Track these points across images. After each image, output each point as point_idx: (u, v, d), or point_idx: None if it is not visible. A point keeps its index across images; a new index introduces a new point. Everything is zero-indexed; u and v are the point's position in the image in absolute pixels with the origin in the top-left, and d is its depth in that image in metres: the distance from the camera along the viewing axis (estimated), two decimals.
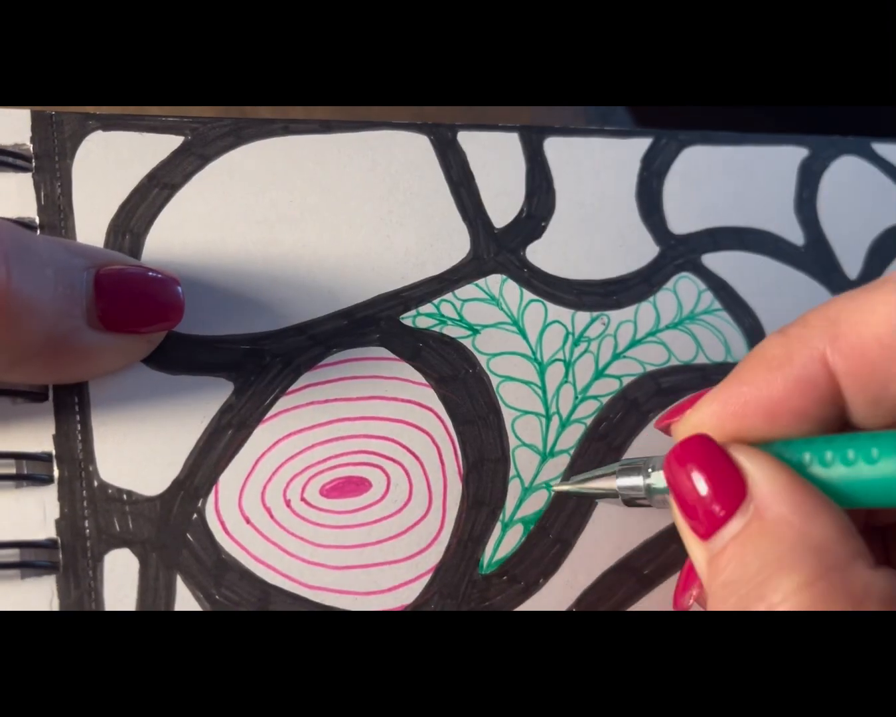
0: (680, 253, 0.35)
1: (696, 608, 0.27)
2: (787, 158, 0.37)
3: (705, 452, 0.22)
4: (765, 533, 0.21)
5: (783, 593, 0.20)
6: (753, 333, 0.34)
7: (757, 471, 0.22)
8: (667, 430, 0.26)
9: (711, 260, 0.35)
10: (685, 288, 0.34)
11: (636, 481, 0.26)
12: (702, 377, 0.33)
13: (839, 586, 0.19)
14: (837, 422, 0.23)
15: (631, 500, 0.26)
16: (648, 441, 0.31)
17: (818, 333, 0.23)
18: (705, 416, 0.24)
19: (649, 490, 0.25)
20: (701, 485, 0.22)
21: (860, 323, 0.22)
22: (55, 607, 0.24)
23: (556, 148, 0.33)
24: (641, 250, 0.34)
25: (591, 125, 0.41)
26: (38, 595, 0.24)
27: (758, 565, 0.20)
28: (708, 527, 0.22)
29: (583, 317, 0.32)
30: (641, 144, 0.35)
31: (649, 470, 0.25)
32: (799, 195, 0.37)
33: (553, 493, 0.29)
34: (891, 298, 0.22)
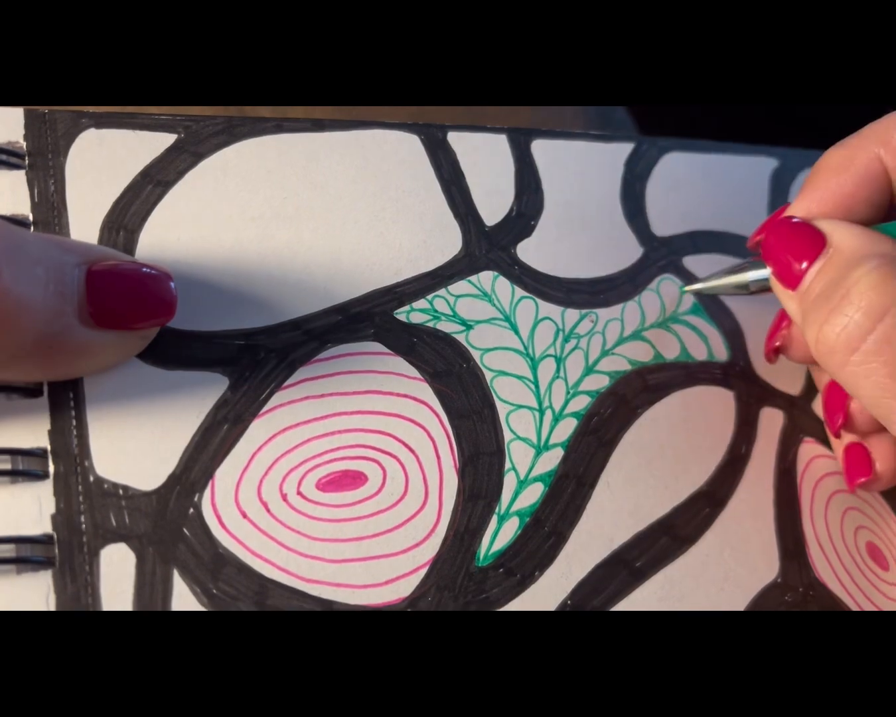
0: (662, 254, 0.35)
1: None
2: (760, 167, 0.39)
3: (792, 224, 0.28)
4: (841, 256, 0.26)
5: (857, 277, 0.25)
6: (733, 334, 0.35)
7: (833, 227, 0.27)
8: (756, 247, 0.31)
9: (692, 262, 0.36)
10: (667, 289, 0.35)
11: (763, 272, 0.30)
12: (686, 375, 0.33)
13: None
14: (889, 210, 0.29)
15: (758, 288, 0.30)
16: (638, 435, 0.31)
17: (873, 141, 0.28)
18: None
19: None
20: (791, 245, 0.27)
21: None
22: (51, 602, 0.24)
23: (543, 150, 0.34)
24: (627, 251, 0.35)
25: (591, 125, 0.41)
26: (34, 591, 0.24)
27: (838, 272, 0.26)
28: (798, 276, 0.27)
29: (572, 314, 0.32)
30: (624, 149, 0.36)
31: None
32: (771, 203, 0.39)
33: (684, 294, 0.35)
34: None
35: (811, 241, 0.27)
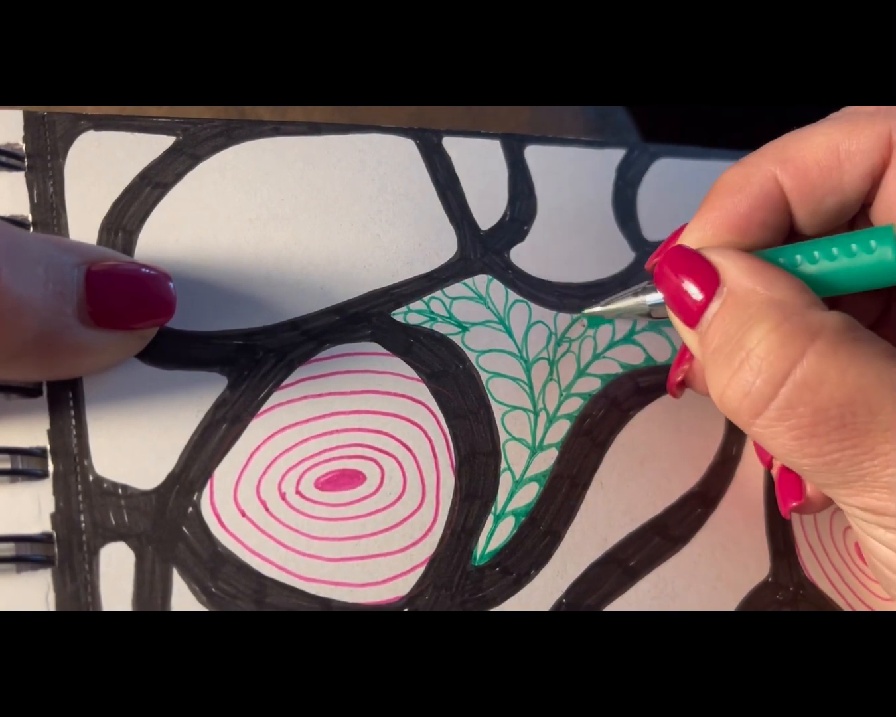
0: None
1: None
2: None
3: (683, 255, 0.27)
4: (737, 304, 0.25)
5: (756, 339, 0.24)
6: None
7: (725, 260, 0.26)
8: (654, 269, 0.30)
9: None
10: (658, 294, 0.35)
11: (658, 296, 0.29)
12: None
13: (799, 325, 0.24)
14: (787, 231, 0.28)
15: (657, 313, 0.30)
16: (630, 437, 0.32)
17: (770, 159, 0.28)
18: (689, 244, 0.28)
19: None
20: (683, 281, 0.26)
21: (803, 149, 0.27)
22: (51, 601, 0.24)
23: (536, 155, 0.34)
24: (618, 256, 0.35)
25: (591, 125, 0.42)
26: (33, 589, 0.24)
27: (736, 327, 0.25)
28: (695, 314, 0.26)
29: (564, 318, 0.33)
30: (616, 155, 0.36)
31: None
32: None
33: (583, 316, 0.33)
34: (828, 130, 0.27)
35: (704, 275, 0.26)
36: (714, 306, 0.26)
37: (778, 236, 0.28)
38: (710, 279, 0.26)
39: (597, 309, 0.32)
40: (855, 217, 0.29)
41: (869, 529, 0.25)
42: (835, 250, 0.26)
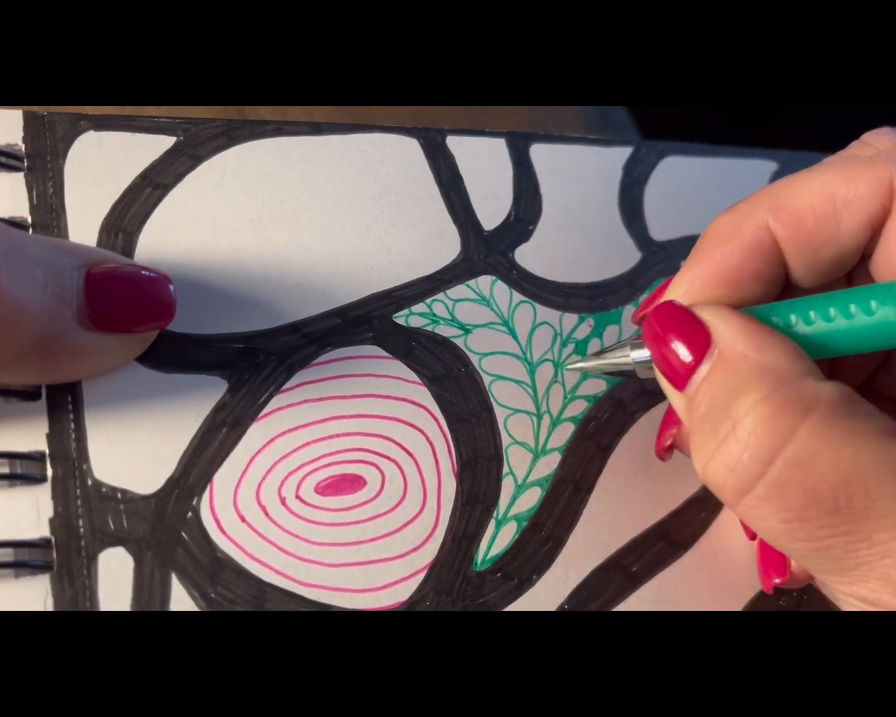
0: (661, 258, 0.35)
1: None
2: (759, 170, 0.39)
3: (672, 313, 0.25)
4: (728, 369, 0.23)
5: (745, 409, 0.22)
6: None
7: (717, 320, 0.24)
8: (641, 322, 0.28)
9: None
10: None
11: (646, 352, 0.27)
12: None
13: (791, 397, 0.22)
14: (783, 283, 0.27)
15: (644, 370, 0.27)
16: (635, 440, 0.31)
17: (763, 206, 0.26)
18: (677, 298, 0.26)
19: None
20: (672, 340, 0.25)
21: (797, 197, 0.26)
22: (49, 606, 0.24)
23: (541, 154, 0.34)
24: (625, 255, 0.35)
25: (591, 125, 0.41)
26: (32, 594, 0.24)
27: (724, 394, 0.23)
28: (683, 376, 0.24)
29: (570, 319, 0.32)
30: (622, 153, 0.36)
31: None
32: None
33: (565, 371, 0.31)
34: (824, 176, 0.26)
35: (694, 336, 0.24)
36: (703, 370, 0.24)
37: (772, 289, 0.26)
38: (700, 340, 0.24)
39: (580, 365, 0.29)
40: (854, 269, 0.27)
41: (861, 607, 0.24)
42: (832, 312, 0.24)
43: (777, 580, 0.28)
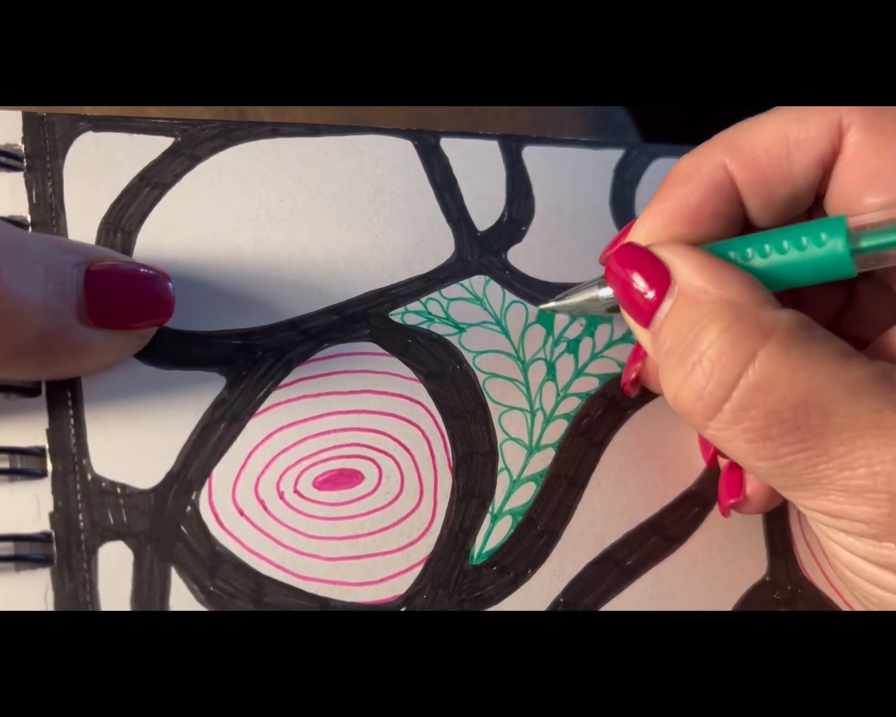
0: None
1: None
2: None
3: (632, 253, 0.26)
4: (688, 304, 0.25)
5: (708, 342, 0.24)
6: None
7: (676, 258, 0.26)
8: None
9: None
10: None
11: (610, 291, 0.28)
12: None
13: (750, 325, 0.24)
14: (742, 222, 0.28)
15: (611, 308, 0.29)
16: (628, 436, 0.32)
17: (720, 148, 0.27)
18: (640, 237, 0.28)
19: None
20: (634, 279, 0.26)
21: (753, 138, 0.27)
22: (50, 600, 0.24)
23: (533, 156, 0.34)
24: None
25: (590, 125, 0.42)
26: (32, 588, 0.24)
27: (688, 327, 0.24)
28: (646, 313, 0.26)
29: (562, 318, 0.33)
30: (614, 155, 0.36)
31: None
32: None
33: (539, 311, 0.32)
34: (778, 119, 0.27)
35: (655, 274, 0.26)
36: (666, 306, 0.25)
37: (732, 227, 0.27)
38: (660, 278, 0.25)
39: (551, 304, 0.31)
40: (812, 208, 0.28)
41: (829, 532, 0.25)
42: (785, 244, 0.25)
43: (731, 501, 0.29)
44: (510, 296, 0.32)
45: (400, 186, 0.31)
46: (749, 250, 0.26)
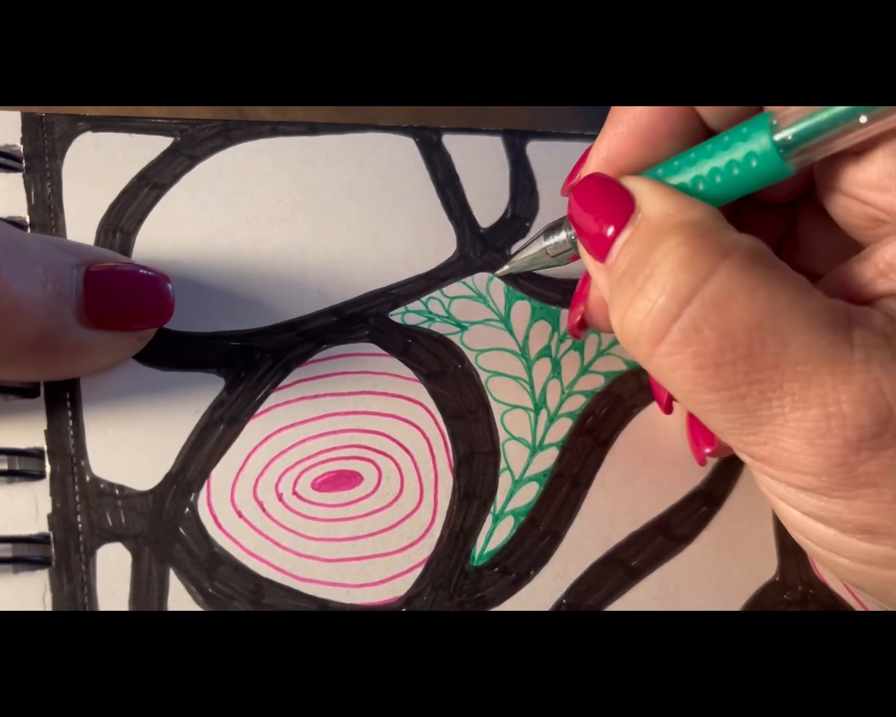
0: None
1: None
2: None
3: (596, 184, 0.24)
4: (650, 226, 0.23)
5: (664, 251, 0.22)
6: None
7: (643, 188, 0.24)
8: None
9: None
10: None
11: (560, 236, 0.27)
12: None
13: (712, 242, 0.22)
14: (702, 135, 0.25)
15: (559, 254, 0.28)
16: (634, 435, 0.31)
17: None
18: (596, 165, 0.26)
19: (573, 239, 0.27)
20: (596, 210, 0.24)
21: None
22: (48, 601, 0.24)
23: (538, 151, 0.34)
24: None
25: (591, 125, 0.41)
26: (30, 590, 0.24)
27: (646, 248, 0.22)
28: (606, 244, 0.24)
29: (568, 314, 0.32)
30: None
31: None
32: None
33: (495, 277, 0.31)
34: None
35: (619, 204, 0.24)
36: (626, 234, 0.23)
37: (691, 142, 0.25)
38: (624, 208, 0.24)
39: (505, 268, 0.30)
40: None
41: (776, 487, 0.23)
42: (709, 147, 0.23)
43: (708, 451, 0.28)
44: (514, 292, 0.32)
45: (401, 184, 0.31)
46: (676, 162, 0.24)
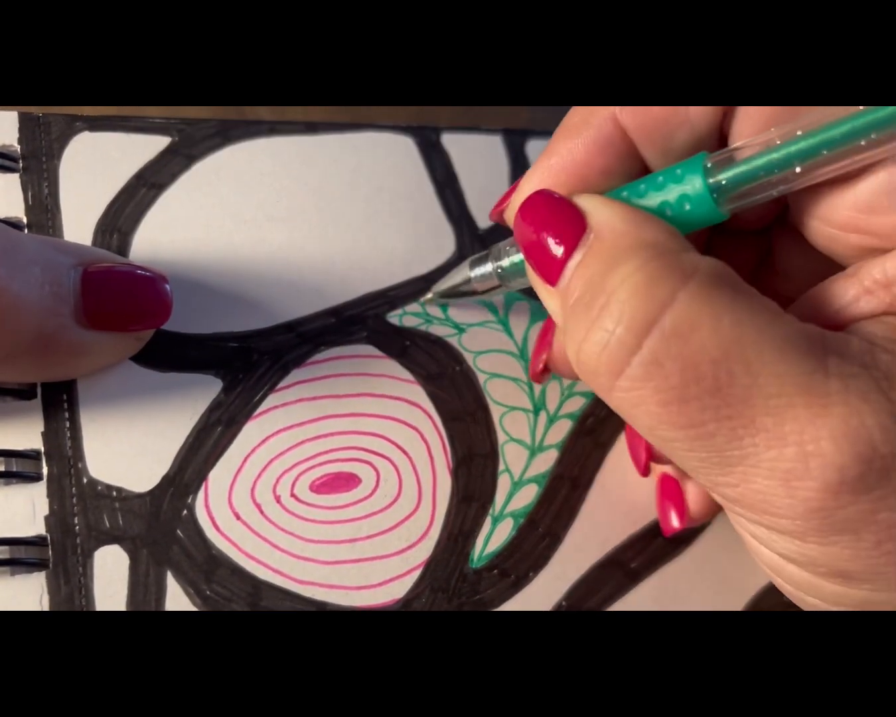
0: None
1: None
2: None
3: (545, 201, 0.23)
4: (604, 248, 0.21)
5: (620, 279, 0.20)
6: None
7: (594, 206, 0.22)
8: (500, 219, 0.27)
9: None
10: None
11: (486, 267, 0.27)
12: None
13: (671, 264, 0.20)
14: (640, 172, 0.24)
15: (487, 288, 0.27)
16: None
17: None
18: (528, 193, 0.24)
19: (501, 272, 0.26)
20: (545, 231, 0.22)
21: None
22: (45, 603, 0.24)
23: (538, 150, 0.34)
24: None
25: None
26: (27, 592, 0.24)
27: (601, 271, 0.21)
28: (557, 267, 0.22)
29: None
30: None
31: (499, 253, 0.27)
32: None
33: (425, 305, 0.30)
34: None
35: (569, 222, 0.22)
36: (578, 256, 0.21)
37: (626, 183, 0.24)
38: (575, 227, 0.22)
39: (428, 295, 0.30)
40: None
41: (750, 527, 0.21)
42: (642, 186, 0.22)
43: (678, 527, 0.28)
44: (514, 293, 0.31)
45: (400, 184, 0.31)
46: (625, 194, 0.23)
